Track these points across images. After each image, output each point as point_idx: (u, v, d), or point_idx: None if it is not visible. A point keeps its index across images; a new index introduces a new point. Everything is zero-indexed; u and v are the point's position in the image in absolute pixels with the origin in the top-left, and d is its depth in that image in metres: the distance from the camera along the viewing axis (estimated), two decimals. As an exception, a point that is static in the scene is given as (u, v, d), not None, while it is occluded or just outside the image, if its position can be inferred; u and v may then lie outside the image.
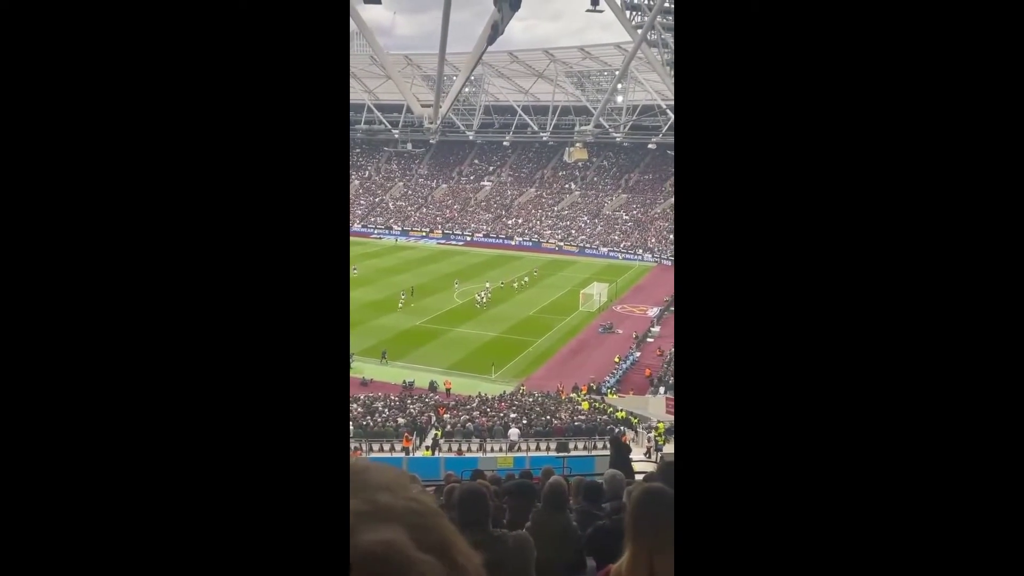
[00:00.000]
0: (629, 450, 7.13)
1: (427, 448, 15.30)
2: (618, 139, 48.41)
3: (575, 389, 21.80)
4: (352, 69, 52.01)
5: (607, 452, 14.65)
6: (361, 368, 23.24)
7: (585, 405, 19.37)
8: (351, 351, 24.43)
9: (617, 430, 15.91)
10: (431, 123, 17.45)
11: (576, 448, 14.99)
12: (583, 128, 39.04)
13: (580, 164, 51.36)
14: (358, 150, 59.42)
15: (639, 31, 20.40)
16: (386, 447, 15.02)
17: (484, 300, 31.48)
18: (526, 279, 36.00)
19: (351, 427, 15.42)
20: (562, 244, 47.71)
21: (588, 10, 7.03)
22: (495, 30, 7.94)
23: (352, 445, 13.97)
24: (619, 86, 39.83)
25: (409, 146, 53.34)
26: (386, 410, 17.79)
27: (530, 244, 48.28)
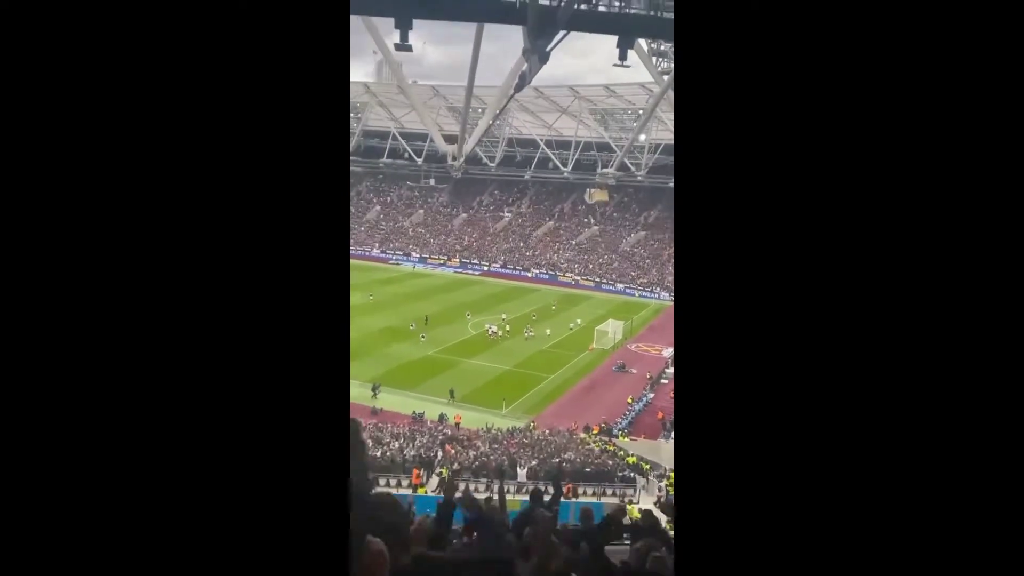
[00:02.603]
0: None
1: (422, 486, 15.13)
2: (639, 177, 48.67)
3: (586, 429, 21.56)
4: (380, 97, 53.09)
5: (615, 499, 14.44)
6: (369, 395, 23.22)
7: (596, 446, 19.13)
8: (363, 380, 24.44)
9: (626, 473, 15.66)
10: (455, 159, 17.68)
11: (584, 494, 14.75)
12: (605, 171, 39.36)
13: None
14: (380, 176, 60.30)
15: (665, 77, 20.65)
16: (392, 482, 14.87)
17: (499, 334, 31.42)
18: (578, 321, 34.66)
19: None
20: (578, 278, 47.73)
21: (615, 64, 7.13)
22: (522, 80, 8.05)
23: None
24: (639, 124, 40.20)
25: (432, 182, 53.96)
26: (394, 442, 17.69)
27: (546, 277, 48.35)
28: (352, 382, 24.24)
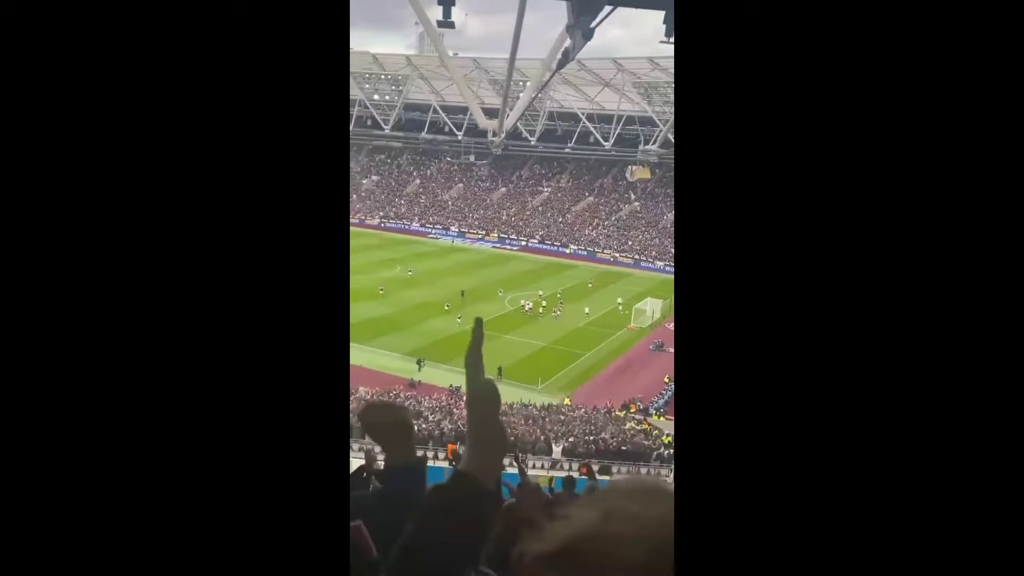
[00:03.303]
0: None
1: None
2: (682, 152, 47.56)
3: (624, 407, 21.55)
4: (421, 70, 52.94)
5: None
6: (409, 369, 23.60)
7: (632, 425, 19.12)
8: (398, 352, 24.82)
9: (661, 452, 15.61)
10: (495, 136, 17.57)
11: (619, 472, 14.79)
12: (647, 148, 38.49)
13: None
14: (420, 149, 60.45)
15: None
16: (429, 455, 15.16)
17: (537, 310, 31.42)
18: (619, 301, 33.77)
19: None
20: (617, 255, 47.29)
21: (662, 41, 6.91)
22: (566, 56, 7.89)
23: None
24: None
25: (472, 158, 53.80)
26: (431, 415, 17.98)
27: (584, 253, 48.03)
28: (392, 355, 24.74)
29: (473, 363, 0.96)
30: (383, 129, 56.96)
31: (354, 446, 15.36)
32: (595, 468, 14.93)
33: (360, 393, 20.14)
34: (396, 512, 0.98)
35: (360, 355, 23.45)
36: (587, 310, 32.11)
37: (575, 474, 10.03)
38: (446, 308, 30.57)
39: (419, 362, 23.84)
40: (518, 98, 21.06)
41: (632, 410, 21.34)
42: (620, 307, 33.05)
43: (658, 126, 43.83)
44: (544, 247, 49.41)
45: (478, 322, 1.00)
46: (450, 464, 14.53)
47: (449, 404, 19.94)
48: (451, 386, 22.37)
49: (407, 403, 19.22)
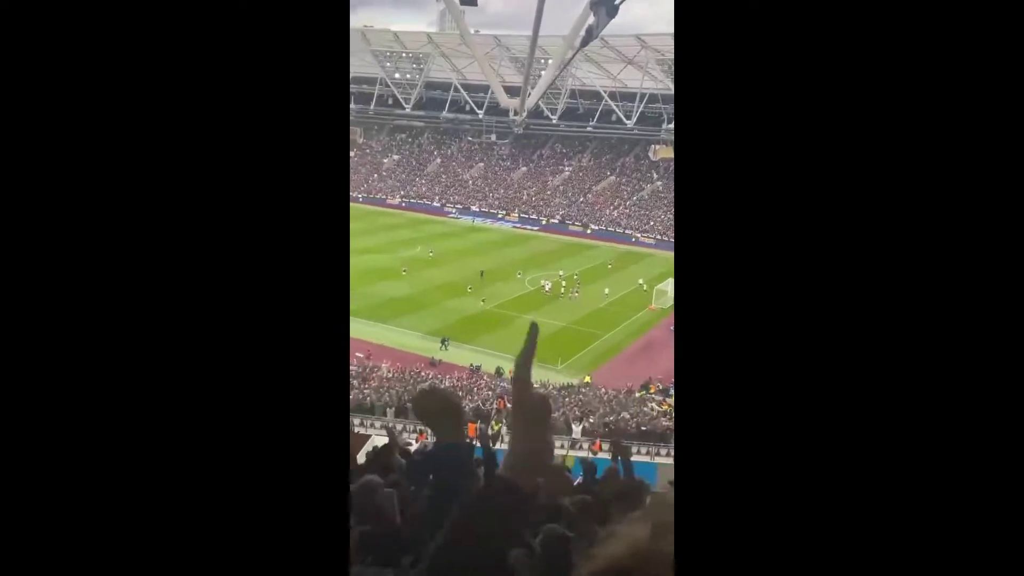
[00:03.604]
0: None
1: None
2: (706, 131, 46.75)
3: (643, 387, 21.53)
4: (442, 48, 52.54)
5: (669, 460, 14.46)
6: (430, 348, 23.79)
7: (652, 406, 19.12)
8: (420, 331, 25.01)
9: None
10: (516, 114, 17.43)
11: (639, 453, 14.83)
12: (670, 127, 37.87)
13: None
14: (441, 128, 60.24)
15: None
16: (450, 433, 15.27)
17: (558, 291, 31.38)
18: (640, 282, 33.55)
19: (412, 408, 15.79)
20: (639, 235, 46.88)
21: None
22: (589, 34, 7.77)
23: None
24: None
25: (493, 137, 53.45)
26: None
27: (606, 233, 47.69)
28: (413, 333, 24.96)
29: (522, 372, 0.89)
30: (404, 108, 56.79)
31: (376, 424, 15.56)
32: (605, 447, 14.95)
33: (383, 371, 20.36)
34: (443, 488, 1.00)
35: (382, 333, 23.69)
36: (607, 290, 31.96)
37: (588, 454, 10.03)
38: (468, 290, 30.61)
39: (443, 341, 24.00)
40: (540, 76, 20.82)
41: (651, 390, 21.30)
42: (643, 287, 32.80)
43: (682, 104, 42.99)
44: (565, 227, 49.16)
45: (533, 328, 0.90)
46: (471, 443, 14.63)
47: (470, 383, 20.08)
48: (471, 365, 22.52)
49: (427, 382, 19.39)
